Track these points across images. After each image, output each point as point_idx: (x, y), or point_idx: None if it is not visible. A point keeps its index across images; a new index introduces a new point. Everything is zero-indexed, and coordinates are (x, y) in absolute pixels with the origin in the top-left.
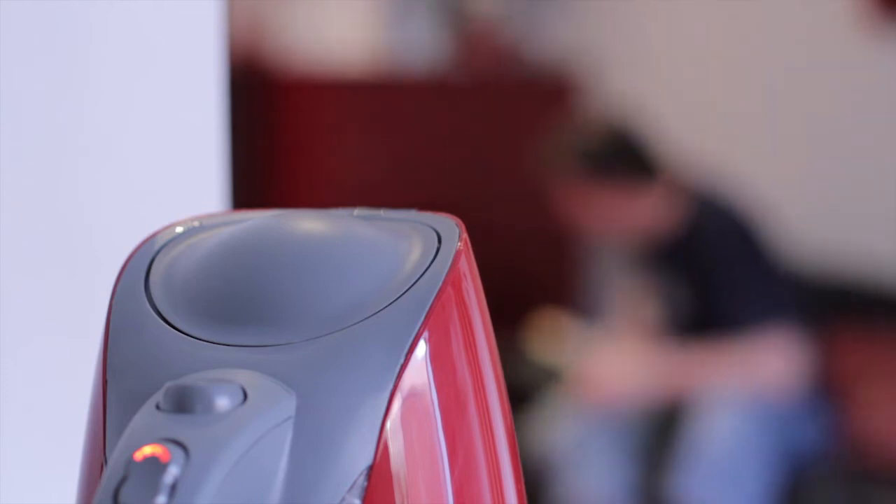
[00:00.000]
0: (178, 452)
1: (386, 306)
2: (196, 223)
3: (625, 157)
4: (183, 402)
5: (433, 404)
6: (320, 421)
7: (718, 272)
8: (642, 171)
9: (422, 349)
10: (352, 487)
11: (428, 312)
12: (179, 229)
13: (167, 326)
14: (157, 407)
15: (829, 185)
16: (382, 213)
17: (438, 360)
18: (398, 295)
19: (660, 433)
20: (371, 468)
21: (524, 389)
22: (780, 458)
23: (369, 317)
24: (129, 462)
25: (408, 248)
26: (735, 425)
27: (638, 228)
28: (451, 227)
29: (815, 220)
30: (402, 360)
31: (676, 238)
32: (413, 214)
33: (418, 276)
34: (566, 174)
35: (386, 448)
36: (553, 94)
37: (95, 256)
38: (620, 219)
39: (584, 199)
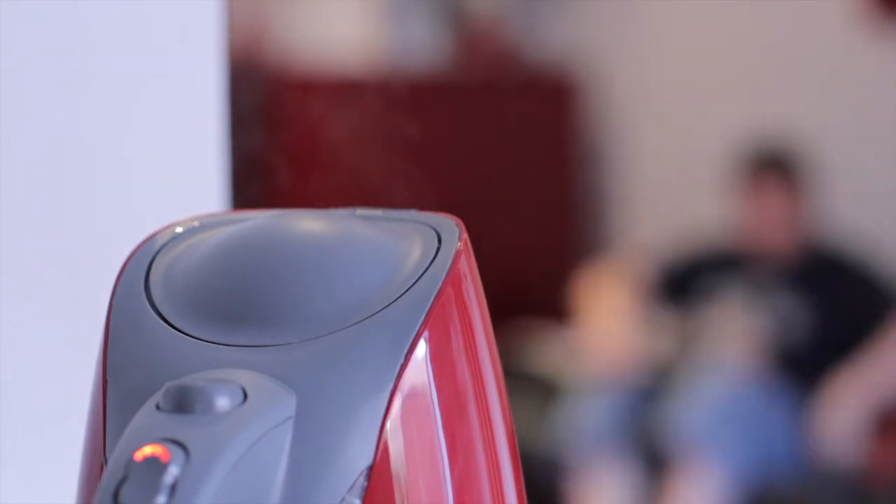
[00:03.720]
0: (178, 452)
1: (386, 306)
2: (196, 223)
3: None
4: (183, 402)
5: (433, 404)
6: (320, 421)
7: (847, 301)
8: (792, 172)
9: (422, 349)
10: (352, 487)
11: (428, 312)
12: (179, 229)
13: (167, 326)
14: (157, 407)
15: (828, 186)
16: (382, 213)
17: (438, 360)
18: (398, 295)
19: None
20: (371, 468)
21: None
22: (752, 450)
23: (369, 317)
24: (129, 462)
25: (408, 248)
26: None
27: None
28: (452, 228)
29: None
30: (402, 360)
31: (802, 269)
32: (413, 214)
33: (418, 276)
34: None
35: (386, 448)
36: (553, 94)
37: (95, 256)
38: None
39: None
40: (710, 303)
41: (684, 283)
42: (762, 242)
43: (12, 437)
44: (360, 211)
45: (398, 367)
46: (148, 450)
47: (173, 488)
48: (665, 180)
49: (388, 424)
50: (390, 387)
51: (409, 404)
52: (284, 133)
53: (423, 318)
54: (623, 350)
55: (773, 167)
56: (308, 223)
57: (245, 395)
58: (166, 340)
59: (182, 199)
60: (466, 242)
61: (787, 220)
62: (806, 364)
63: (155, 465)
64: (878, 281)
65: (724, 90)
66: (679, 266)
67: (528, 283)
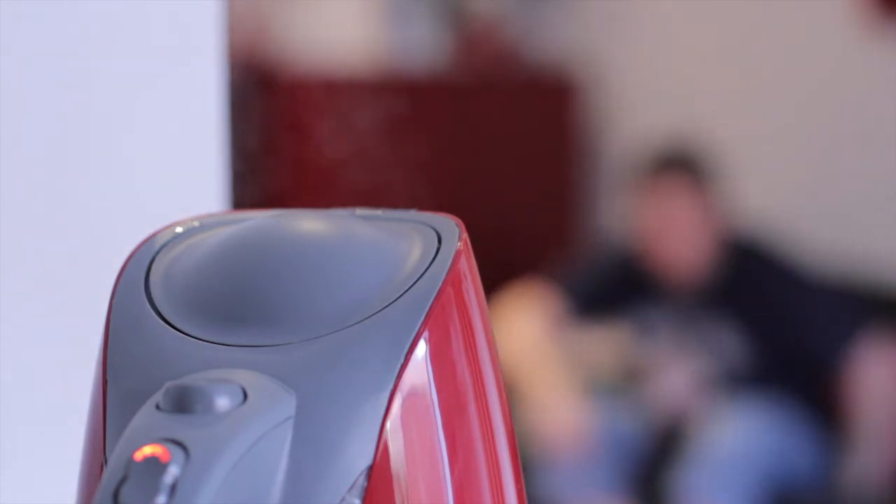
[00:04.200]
0: (178, 452)
1: (386, 306)
2: (196, 223)
3: (682, 160)
4: (183, 402)
5: (433, 404)
6: (320, 421)
7: (781, 313)
8: (697, 172)
9: (422, 349)
10: (352, 487)
11: (428, 312)
12: (179, 229)
13: (167, 326)
14: (157, 407)
15: (828, 186)
16: (382, 213)
17: (438, 360)
18: (398, 295)
19: (663, 440)
20: (371, 468)
21: None
22: (773, 481)
23: (369, 317)
24: (129, 462)
25: (408, 248)
26: (736, 440)
27: (688, 235)
28: (451, 227)
29: (816, 223)
30: (402, 360)
31: (724, 283)
32: (413, 214)
33: (418, 276)
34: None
35: (386, 448)
36: (553, 94)
37: (96, 256)
38: (676, 218)
39: (646, 198)
40: (637, 334)
41: (599, 305)
42: (671, 253)
43: (12, 437)
44: (360, 211)
45: (398, 367)
46: (148, 450)
47: (173, 488)
48: None
49: (388, 424)
50: (390, 387)
51: (409, 404)
52: (284, 133)
53: (423, 318)
54: (567, 423)
55: (677, 168)
56: (308, 223)
57: (245, 395)
58: (166, 340)
59: (182, 199)
60: (466, 242)
61: (695, 224)
62: (760, 389)
63: (155, 465)
64: (805, 281)
65: (723, 89)
66: (589, 289)
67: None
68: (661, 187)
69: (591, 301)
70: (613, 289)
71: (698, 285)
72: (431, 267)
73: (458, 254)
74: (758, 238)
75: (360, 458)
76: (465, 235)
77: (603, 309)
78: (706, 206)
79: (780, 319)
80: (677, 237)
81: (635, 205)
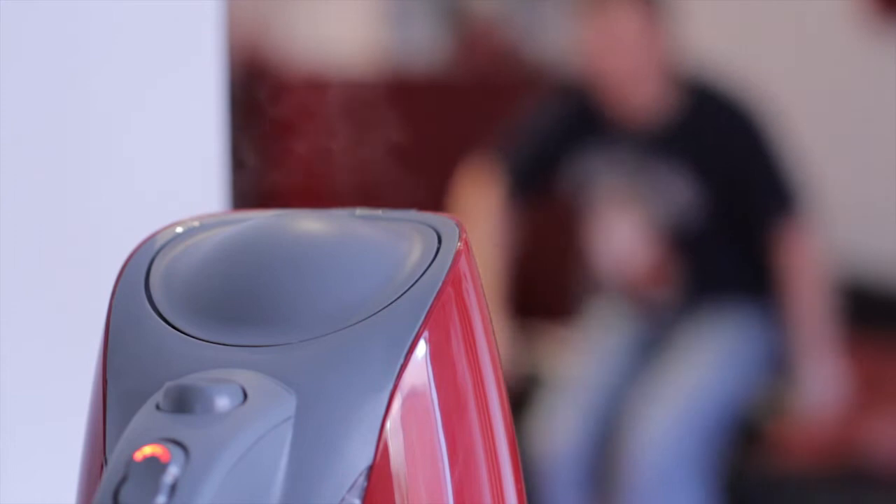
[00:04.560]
0: (178, 452)
1: (386, 306)
2: (196, 223)
3: None
4: (183, 402)
5: (433, 404)
6: (320, 421)
7: (733, 160)
8: None
9: (422, 349)
10: (352, 487)
11: (428, 312)
12: (179, 229)
13: (167, 326)
14: (157, 407)
15: (828, 186)
16: (382, 213)
17: (438, 360)
18: (398, 295)
19: (604, 449)
20: (371, 468)
21: None
22: (714, 466)
23: (369, 317)
24: (129, 462)
25: (408, 248)
26: (669, 433)
27: (640, 59)
28: (451, 227)
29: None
30: (402, 360)
31: (679, 125)
32: (413, 214)
33: (418, 276)
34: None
35: (386, 448)
36: (553, 93)
37: (96, 256)
38: (624, 38)
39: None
40: (584, 179)
41: (547, 153)
42: (618, 81)
43: (12, 436)
44: (360, 211)
45: (398, 367)
46: (148, 450)
47: (173, 488)
48: None
49: (388, 424)
50: (390, 387)
51: (409, 404)
52: (284, 133)
53: (423, 318)
54: None
55: None
56: (308, 223)
57: (245, 395)
58: (166, 340)
59: (182, 199)
60: (466, 242)
61: (643, 50)
62: (706, 254)
63: (155, 465)
64: (761, 136)
65: None
66: (529, 148)
67: (526, 283)
68: (605, 6)
69: (539, 153)
70: (561, 132)
71: (651, 126)
72: (431, 267)
73: (458, 254)
74: (719, 84)
75: (360, 458)
76: (466, 235)
77: (551, 157)
78: (655, 30)
79: (731, 170)
80: (623, 63)
81: (580, 29)
